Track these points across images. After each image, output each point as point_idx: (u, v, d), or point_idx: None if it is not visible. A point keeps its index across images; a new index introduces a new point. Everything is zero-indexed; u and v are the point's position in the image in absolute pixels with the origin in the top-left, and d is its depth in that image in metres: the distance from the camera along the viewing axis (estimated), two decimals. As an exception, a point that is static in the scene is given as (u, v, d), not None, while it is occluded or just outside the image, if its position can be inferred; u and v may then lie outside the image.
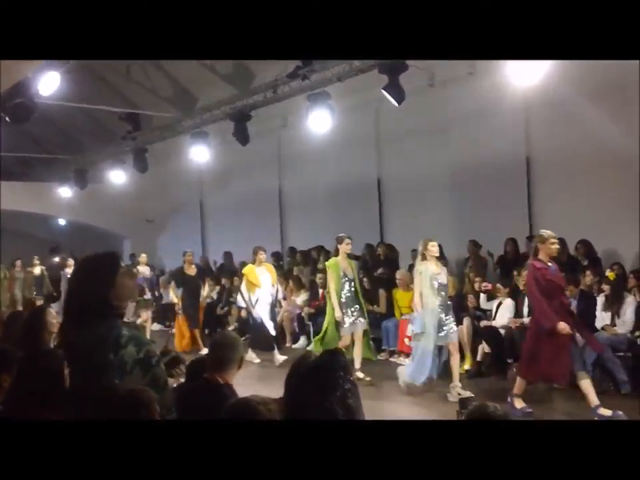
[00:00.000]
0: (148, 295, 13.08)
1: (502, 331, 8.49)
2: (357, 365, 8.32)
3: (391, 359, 9.83)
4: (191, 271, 11.43)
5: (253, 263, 10.05)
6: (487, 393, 7.34)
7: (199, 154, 11.82)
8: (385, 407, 7.12)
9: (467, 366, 8.76)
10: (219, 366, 3.48)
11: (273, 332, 9.95)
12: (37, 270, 15.61)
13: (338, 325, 8.47)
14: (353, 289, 8.59)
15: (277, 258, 13.75)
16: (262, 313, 9.85)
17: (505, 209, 10.38)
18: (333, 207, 13.27)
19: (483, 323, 8.79)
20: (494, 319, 8.73)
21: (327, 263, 8.84)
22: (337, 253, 8.72)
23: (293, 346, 11.38)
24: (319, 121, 9.40)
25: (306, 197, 13.81)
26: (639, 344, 7.03)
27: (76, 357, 2.71)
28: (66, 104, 12.74)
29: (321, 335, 8.70)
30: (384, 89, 8.36)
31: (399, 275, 10.27)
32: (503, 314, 8.64)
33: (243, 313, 10.01)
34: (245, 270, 10.13)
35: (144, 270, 13.39)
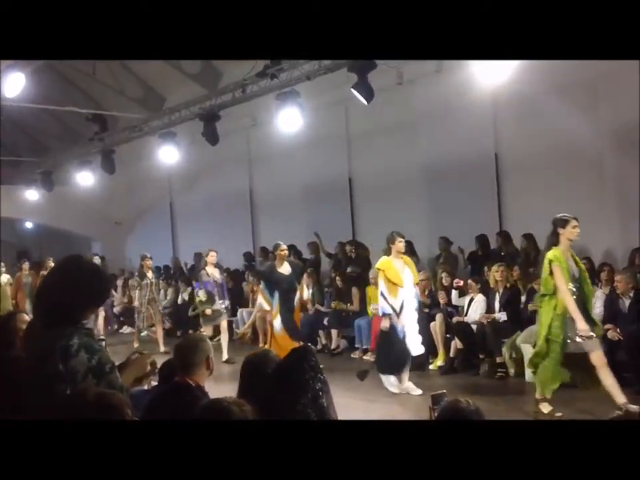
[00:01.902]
0: (218, 305, 10.42)
1: (474, 327, 8.55)
2: (620, 398, 5.71)
3: (365, 357, 9.84)
4: (285, 269, 9.01)
5: (388, 254, 7.44)
6: (460, 388, 7.40)
7: (168, 154, 11.73)
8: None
9: (439, 362, 8.82)
10: (187, 369, 3.45)
11: (420, 349, 7.50)
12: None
13: (565, 344, 5.90)
14: (578, 294, 6.02)
15: (248, 258, 13.72)
16: (407, 323, 7.35)
17: (475, 205, 10.46)
18: (304, 206, 13.26)
19: (455, 319, 8.84)
20: (466, 315, 8.79)
21: (548, 254, 6.04)
22: (556, 241, 6.08)
23: (267, 347, 11.32)
24: (289, 120, 9.38)
25: (277, 196, 13.77)
26: (608, 337, 7.12)
27: (27, 366, 2.63)
28: (31, 106, 12.55)
29: (548, 367, 6.03)
30: (353, 88, 8.36)
31: (371, 274, 10.35)
32: (475, 310, 8.70)
33: (386, 323, 7.24)
34: (380, 264, 7.40)
35: (213, 272, 10.64)
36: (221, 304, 10.48)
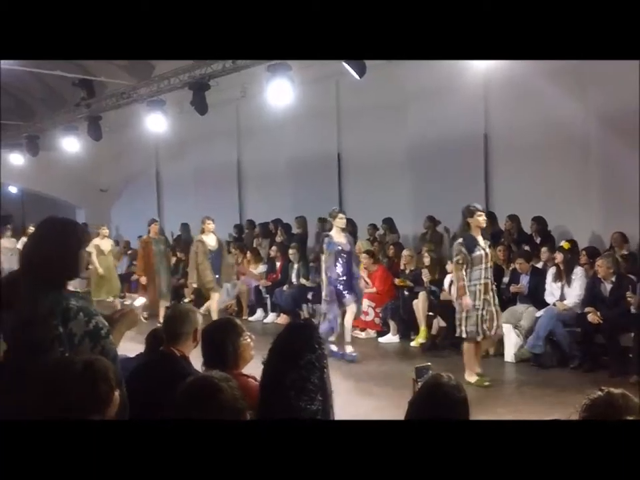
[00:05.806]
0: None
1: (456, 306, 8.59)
2: None
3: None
4: None
5: None
6: (442, 364, 7.47)
7: (156, 123, 11.60)
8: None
9: (421, 339, 8.91)
10: (174, 339, 3.46)
11: None
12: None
13: None
14: None
15: (238, 230, 13.71)
16: None
17: (462, 185, 10.47)
18: (292, 180, 13.21)
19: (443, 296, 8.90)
20: (449, 294, 8.84)
21: None
22: None
23: (250, 318, 11.38)
24: (279, 93, 9.30)
25: (265, 169, 13.71)
26: (588, 319, 7.22)
27: (17, 330, 2.60)
28: (17, 68, 12.34)
29: None
30: (345, 62, 8.29)
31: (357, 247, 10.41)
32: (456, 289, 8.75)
33: None
34: None
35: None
36: None
